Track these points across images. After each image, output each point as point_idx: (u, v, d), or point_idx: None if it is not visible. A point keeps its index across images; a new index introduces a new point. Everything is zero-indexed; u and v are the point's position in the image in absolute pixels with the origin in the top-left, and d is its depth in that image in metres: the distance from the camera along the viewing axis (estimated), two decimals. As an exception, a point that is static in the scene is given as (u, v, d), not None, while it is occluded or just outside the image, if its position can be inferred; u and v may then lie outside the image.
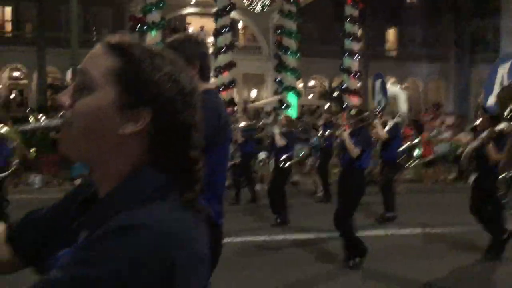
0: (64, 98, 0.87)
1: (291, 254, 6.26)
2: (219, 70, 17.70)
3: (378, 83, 9.70)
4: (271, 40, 28.43)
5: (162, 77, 0.85)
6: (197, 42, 2.27)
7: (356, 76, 18.97)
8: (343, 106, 18.92)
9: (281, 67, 18.46)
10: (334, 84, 28.52)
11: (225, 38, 17.79)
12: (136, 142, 0.86)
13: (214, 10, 27.43)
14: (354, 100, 19.13)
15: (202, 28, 29.00)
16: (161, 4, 17.33)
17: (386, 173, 8.43)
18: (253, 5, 17.72)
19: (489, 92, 6.13)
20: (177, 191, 0.85)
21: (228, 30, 17.77)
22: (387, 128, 8.33)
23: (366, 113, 6.09)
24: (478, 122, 6.04)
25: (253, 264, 5.74)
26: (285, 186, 8.21)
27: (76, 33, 14.04)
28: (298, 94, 18.54)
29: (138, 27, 24.02)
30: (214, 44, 18.17)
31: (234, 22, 30.13)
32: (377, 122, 8.34)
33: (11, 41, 26.41)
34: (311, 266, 5.67)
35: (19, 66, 27.04)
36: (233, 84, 18.17)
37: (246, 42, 31.31)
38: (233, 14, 27.46)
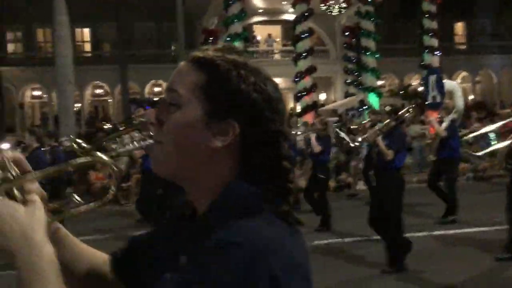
0: (154, 116, 0.89)
1: (324, 258, 6.23)
2: (300, 75, 18.06)
3: (432, 78, 9.41)
4: (338, 42, 28.59)
5: (247, 88, 0.85)
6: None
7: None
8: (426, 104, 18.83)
9: (360, 67, 18.56)
10: (406, 82, 28.24)
11: (305, 44, 18.13)
12: (228, 155, 0.86)
13: (281, 17, 28.18)
14: (437, 97, 18.97)
15: (269, 35, 29.54)
16: (243, 15, 17.90)
17: (447, 173, 8.00)
18: (331, 8, 17.90)
19: None
20: (271, 203, 0.84)
21: (307, 36, 18.08)
22: (444, 125, 7.94)
23: (402, 111, 6.00)
24: None
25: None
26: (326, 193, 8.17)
27: (183, 49, 14.67)
28: (380, 94, 18.57)
29: (211, 39, 24.99)
30: (294, 50, 18.54)
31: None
32: (432, 119, 8.14)
33: (91, 60, 27.92)
34: (346, 270, 5.75)
35: (101, 83, 28.50)
36: (314, 88, 18.47)
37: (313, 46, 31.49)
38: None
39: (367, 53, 18.26)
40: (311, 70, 18.14)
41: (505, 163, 5.80)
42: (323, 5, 18.17)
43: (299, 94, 18.14)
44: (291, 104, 31.37)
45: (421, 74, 20.13)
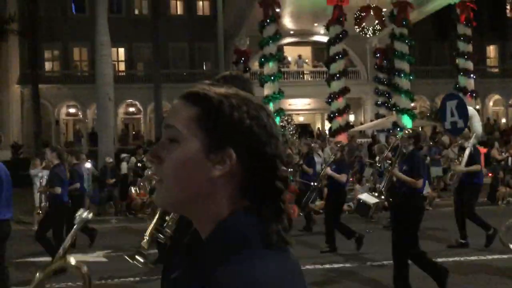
0: (152, 154, 0.91)
1: (337, 282, 6.19)
2: (334, 96, 18.15)
3: (452, 104, 8.99)
4: (369, 63, 28.64)
5: (241, 116, 0.88)
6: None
7: (474, 95, 18.64)
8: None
9: (393, 89, 18.56)
10: (438, 104, 27.98)
11: (338, 65, 18.25)
12: (227, 183, 0.88)
13: (312, 39, 28.42)
14: (472, 120, 18.76)
15: (299, 56, 29.77)
16: (278, 36, 18.16)
17: (467, 199, 7.89)
18: (365, 30, 18.02)
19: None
20: (267, 224, 0.87)
21: (341, 57, 18.21)
22: (467, 152, 7.82)
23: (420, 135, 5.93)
24: None
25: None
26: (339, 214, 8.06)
27: (223, 68, 14.95)
28: (413, 116, 18.50)
29: (242, 59, 25.33)
30: (327, 71, 18.67)
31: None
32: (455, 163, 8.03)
33: (125, 79, 28.54)
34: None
35: (134, 102, 29.06)
36: (347, 109, 18.52)
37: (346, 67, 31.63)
38: (326, 39, 28.19)
39: (401, 75, 18.25)
40: (344, 91, 18.25)
41: None
42: (357, 27, 18.23)
43: (332, 115, 18.21)
44: (318, 125, 31.47)
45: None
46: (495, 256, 7.11)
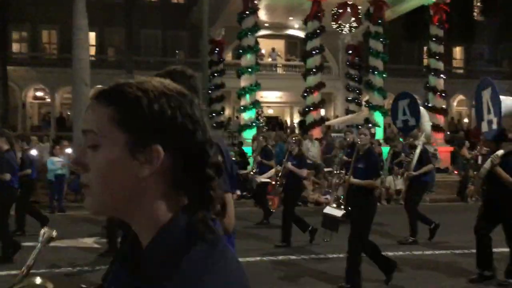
0: (77, 162, 0.87)
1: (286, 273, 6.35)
2: (309, 91, 18.40)
3: (404, 103, 9.22)
4: (340, 59, 29.06)
5: (161, 108, 0.83)
6: (187, 75, 2.21)
7: (443, 95, 19.28)
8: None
9: (367, 86, 18.97)
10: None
11: (315, 60, 18.50)
12: (159, 180, 0.84)
13: (285, 32, 28.58)
14: (441, 119, 19.40)
15: (273, 49, 29.92)
16: (256, 29, 18.23)
17: (413, 195, 8.39)
18: (342, 27, 18.32)
19: (480, 118, 6.48)
20: (194, 214, 0.84)
21: (318, 52, 18.46)
22: (417, 151, 8.24)
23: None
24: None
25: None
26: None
27: (207, 57, 14.90)
28: (385, 113, 18.99)
29: (217, 50, 25.25)
30: (300, 65, 18.88)
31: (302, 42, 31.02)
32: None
33: (95, 64, 28.00)
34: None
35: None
36: (322, 104, 18.82)
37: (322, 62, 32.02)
38: (301, 34, 28.42)
39: (375, 73, 18.67)
40: (320, 86, 18.52)
41: (481, 187, 6.22)
42: (334, 23, 18.50)
43: (307, 109, 18.47)
44: (286, 118, 31.79)
45: (421, 95, 20.58)
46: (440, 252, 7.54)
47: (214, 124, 25.03)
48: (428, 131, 9.45)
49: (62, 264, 6.59)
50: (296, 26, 27.55)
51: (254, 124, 17.98)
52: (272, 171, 9.68)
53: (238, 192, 10.21)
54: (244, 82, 18.19)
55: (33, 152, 10.81)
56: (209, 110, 25.53)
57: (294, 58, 30.50)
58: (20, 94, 26.60)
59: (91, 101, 0.87)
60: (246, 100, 18.04)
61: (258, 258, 7.00)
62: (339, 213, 6.35)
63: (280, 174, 8.44)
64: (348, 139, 9.36)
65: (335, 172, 8.89)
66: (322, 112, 18.80)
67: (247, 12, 17.98)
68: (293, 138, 8.31)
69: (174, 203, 0.85)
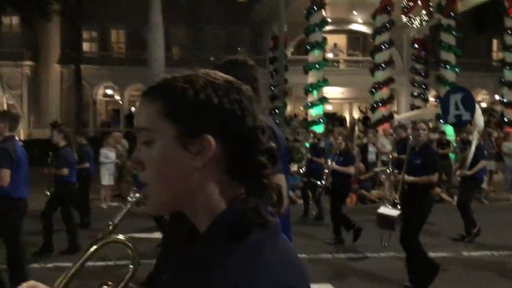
0: (135, 161, 0.88)
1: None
2: (378, 86, 18.13)
3: (457, 97, 8.89)
4: (405, 54, 28.42)
5: (207, 97, 0.84)
6: (249, 65, 2.21)
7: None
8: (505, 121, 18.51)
9: (439, 81, 18.45)
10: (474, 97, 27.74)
11: (383, 55, 18.19)
12: (213, 170, 0.85)
13: (348, 27, 28.27)
14: (517, 114, 18.62)
15: (335, 45, 29.66)
16: (324, 24, 18.14)
17: (466, 192, 8.11)
18: (412, 20, 17.90)
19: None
20: (245, 202, 0.83)
21: (387, 47, 18.14)
22: (473, 147, 7.97)
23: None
24: None
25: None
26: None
27: (282, 54, 15.06)
28: (457, 108, 18.38)
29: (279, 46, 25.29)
30: (366, 61, 18.60)
31: (365, 37, 30.56)
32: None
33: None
34: None
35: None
36: (390, 100, 18.50)
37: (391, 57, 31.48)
38: (364, 28, 27.98)
39: (447, 67, 18.13)
40: (388, 81, 18.21)
41: None
42: (404, 17, 18.11)
43: (375, 105, 18.21)
44: (345, 114, 31.41)
45: (489, 89, 19.87)
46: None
47: (277, 121, 25.20)
48: (481, 125, 9.14)
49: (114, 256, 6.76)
50: (360, 20, 27.21)
51: (321, 120, 17.93)
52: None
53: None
54: (311, 78, 18.16)
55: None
56: (272, 106, 25.73)
57: (357, 53, 30.09)
58: (91, 91, 27.74)
59: (141, 99, 0.88)
60: (314, 96, 18.00)
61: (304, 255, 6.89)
62: (395, 212, 6.21)
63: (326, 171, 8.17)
64: (401, 135, 9.18)
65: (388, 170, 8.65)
66: (391, 107, 18.44)
67: (314, 8, 17.90)
68: (340, 136, 8.10)
69: (230, 193, 0.86)
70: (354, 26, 27.89)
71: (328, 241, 7.64)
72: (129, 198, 1.52)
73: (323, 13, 18.16)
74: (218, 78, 0.87)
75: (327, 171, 8.06)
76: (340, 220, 7.67)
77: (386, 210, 6.37)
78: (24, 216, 5.12)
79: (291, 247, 0.89)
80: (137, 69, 27.22)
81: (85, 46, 29.44)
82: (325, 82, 18.17)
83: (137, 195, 1.50)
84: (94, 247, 1.35)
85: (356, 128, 23.12)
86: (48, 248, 6.87)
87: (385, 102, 17.99)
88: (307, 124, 18.20)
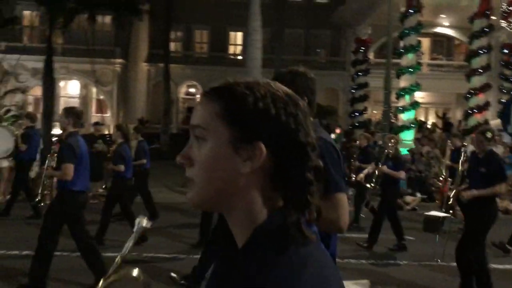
0: (185, 156, 0.89)
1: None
2: (474, 92, 17.61)
3: None
4: (493, 59, 27.36)
5: (265, 106, 0.85)
6: (307, 77, 2.22)
7: None
8: None
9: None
10: None
11: (481, 60, 17.63)
12: (259, 178, 0.85)
13: (431, 30, 27.56)
14: None
15: (418, 48, 29.01)
16: (419, 28, 17.84)
17: None
18: (512, 25, 17.25)
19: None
20: (287, 217, 0.84)
21: (486, 52, 17.58)
22: None
23: None
24: None
25: None
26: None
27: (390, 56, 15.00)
28: (559, 117, 17.52)
29: (362, 49, 25.07)
30: (450, 65, 18.08)
31: (450, 40, 29.69)
32: None
33: (242, 63, 29.23)
34: None
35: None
36: (487, 107, 17.92)
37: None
38: (451, 32, 27.16)
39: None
40: (485, 87, 17.65)
41: None
42: (503, 21, 17.48)
43: (470, 111, 17.70)
44: (423, 119, 30.57)
45: None
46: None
47: (357, 124, 25.00)
48: None
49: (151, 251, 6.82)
50: (446, 23, 26.47)
51: (412, 125, 17.66)
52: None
53: (350, 192, 9.54)
54: (404, 82, 17.92)
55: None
56: (351, 110, 25.56)
57: (441, 57, 29.32)
58: (175, 90, 28.67)
59: (201, 97, 0.90)
60: (406, 100, 17.74)
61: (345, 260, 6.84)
62: (441, 214, 5.98)
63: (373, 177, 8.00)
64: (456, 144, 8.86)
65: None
66: (488, 115, 17.84)
67: (410, 11, 17.63)
68: (391, 140, 7.87)
69: (271, 203, 0.86)
70: (439, 29, 27.16)
71: (363, 244, 7.52)
72: (135, 226, 1.46)
73: (421, 16, 17.85)
74: (279, 90, 0.88)
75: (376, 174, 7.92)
76: (394, 225, 7.51)
77: (433, 212, 6.29)
78: (83, 208, 5.31)
79: (329, 260, 0.89)
80: (219, 69, 27.90)
81: (171, 46, 30.42)
82: (417, 86, 17.89)
83: (143, 223, 1.46)
84: (102, 283, 1.35)
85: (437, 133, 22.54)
86: (100, 242, 6.99)
87: (481, 108, 17.44)
88: (397, 129, 17.95)
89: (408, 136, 17.40)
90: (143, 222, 1.45)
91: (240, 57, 30.18)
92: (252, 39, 15.29)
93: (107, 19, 26.53)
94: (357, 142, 11.84)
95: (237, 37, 30.69)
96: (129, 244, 1.45)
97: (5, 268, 5.88)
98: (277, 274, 0.79)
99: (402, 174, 7.63)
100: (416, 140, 15.73)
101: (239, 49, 30.98)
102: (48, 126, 18.22)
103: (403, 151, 15.77)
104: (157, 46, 27.66)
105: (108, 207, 7.32)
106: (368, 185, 8.25)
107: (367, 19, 24.53)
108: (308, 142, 0.87)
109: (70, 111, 5.30)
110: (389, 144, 7.71)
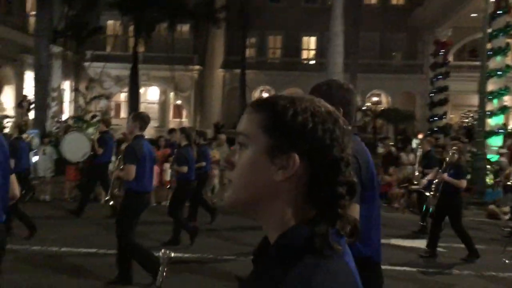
0: (228, 160, 0.96)
1: None
2: None
3: None
4: None
5: (304, 120, 0.89)
6: (344, 89, 2.25)
7: None
8: None
9: None
10: None
11: None
12: (291, 187, 0.90)
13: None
14: None
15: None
16: (508, 29, 17.09)
17: None
18: None
19: None
20: (315, 228, 0.87)
21: None
22: None
23: None
24: None
25: None
26: None
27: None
28: None
29: (442, 51, 24.33)
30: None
31: None
32: None
33: (315, 67, 29.20)
34: None
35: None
36: None
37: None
38: None
39: None
40: None
41: None
42: None
43: None
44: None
45: None
46: None
47: (435, 128, 24.25)
48: None
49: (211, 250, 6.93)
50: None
51: (501, 131, 16.88)
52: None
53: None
54: (492, 85, 17.18)
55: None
56: (430, 114, 24.83)
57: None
58: (249, 95, 29.17)
59: (248, 107, 0.96)
60: (493, 105, 17.01)
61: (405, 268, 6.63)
62: None
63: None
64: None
65: None
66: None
67: (498, 12, 16.90)
68: (453, 147, 7.53)
69: (302, 213, 0.90)
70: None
71: (424, 254, 7.29)
72: (161, 259, 1.52)
73: (510, 17, 17.08)
74: (320, 106, 0.93)
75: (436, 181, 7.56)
76: (461, 235, 7.22)
77: None
78: (146, 209, 5.46)
79: (351, 274, 0.91)
80: (292, 74, 28.06)
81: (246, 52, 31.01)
82: (506, 90, 17.09)
83: (166, 254, 1.52)
84: None
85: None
86: (176, 241, 7.15)
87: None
88: (485, 134, 17.25)
89: (496, 142, 16.67)
90: (167, 254, 1.52)
91: (312, 62, 30.20)
92: (334, 44, 15.29)
93: (185, 27, 27.49)
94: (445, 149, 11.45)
95: (310, 42, 30.73)
96: (160, 276, 1.52)
97: (79, 265, 6.14)
98: (289, 283, 0.84)
99: (463, 183, 7.37)
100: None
101: (312, 54, 30.99)
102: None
103: (494, 157, 15.14)
104: (232, 53, 28.25)
105: (175, 209, 7.40)
106: (427, 194, 8.03)
107: (447, 21, 23.79)
108: (342, 157, 0.91)
109: (138, 116, 5.47)
110: (451, 152, 7.44)
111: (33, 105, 19.38)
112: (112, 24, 28.58)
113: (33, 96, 18.86)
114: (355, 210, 2.17)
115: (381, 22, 28.74)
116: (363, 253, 2.19)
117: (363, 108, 26.64)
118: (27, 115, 19.19)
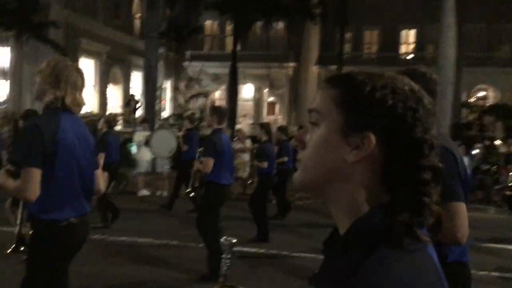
0: (299, 139, 0.92)
1: None
2: None
3: None
4: None
5: (383, 96, 0.82)
6: (426, 77, 2.15)
7: None
8: None
9: None
10: None
11: None
12: (365, 169, 0.83)
13: None
14: None
15: None
16: None
17: None
18: None
19: None
20: (394, 218, 0.79)
21: None
22: None
23: None
24: None
25: None
26: None
27: None
28: None
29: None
30: None
31: None
32: None
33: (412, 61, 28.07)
34: None
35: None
36: None
37: None
38: None
39: None
40: None
41: None
42: None
43: None
44: None
45: None
46: None
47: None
48: None
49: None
50: None
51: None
52: None
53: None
54: None
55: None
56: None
57: None
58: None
59: (322, 83, 0.90)
60: None
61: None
62: None
63: None
64: None
65: None
66: None
67: None
68: None
69: (376, 197, 0.83)
70: None
71: None
72: (223, 247, 1.51)
73: None
74: (403, 84, 0.85)
75: None
76: None
77: None
78: (225, 202, 5.50)
79: (433, 268, 0.82)
80: (389, 69, 27.04)
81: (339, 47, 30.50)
82: None
83: (228, 241, 1.50)
84: None
85: None
86: (264, 237, 7.05)
87: None
88: None
89: None
90: (229, 241, 1.52)
91: (411, 56, 29.03)
92: (446, 37, 14.49)
93: (280, 24, 27.51)
94: None
95: (410, 35, 29.54)
96: (225, 264, 1.52)
97: (158, 256, 6.18)
98: (360, 276, 0.77)
99: None
100: None
101: (411, 47, 29.81)
102: (232, 127, 19.50)
103: None
104: (327, 49, 27.86)
105: (257, 206, 7.34)
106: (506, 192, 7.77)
107: None
108: (426, 139, 0.83)
109: (216, 110, 5.57)
110: None
111: (139, 104, 20.34)
112: (209, 24, 29.30)
113: (140, 96, 19.76)
114: (461, 210, 2.09)
115: (488, 13, 26.98)
116: (450, 256, 2.14)
117: (468, 102, 25.19)
118: (134, 114, 20.16)
